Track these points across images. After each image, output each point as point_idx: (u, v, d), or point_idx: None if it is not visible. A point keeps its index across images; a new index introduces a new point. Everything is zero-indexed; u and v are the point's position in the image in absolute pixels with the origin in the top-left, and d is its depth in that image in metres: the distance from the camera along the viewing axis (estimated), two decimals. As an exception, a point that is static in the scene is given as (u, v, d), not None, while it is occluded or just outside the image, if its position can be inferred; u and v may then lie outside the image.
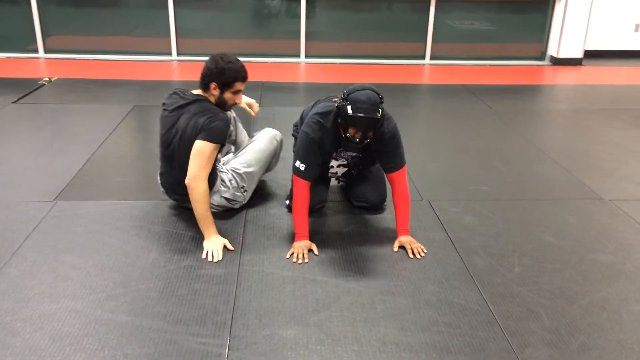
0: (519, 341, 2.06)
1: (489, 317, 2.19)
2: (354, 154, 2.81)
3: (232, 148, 3.21)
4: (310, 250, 2.59)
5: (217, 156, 2.76)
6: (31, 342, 2.00)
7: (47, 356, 1.93)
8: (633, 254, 2.66)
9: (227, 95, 2.68)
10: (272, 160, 3.08)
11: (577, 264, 2.58)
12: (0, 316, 2.12)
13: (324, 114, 2.60)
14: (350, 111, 2.38)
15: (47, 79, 5.53)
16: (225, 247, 2.61)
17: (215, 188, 2.83)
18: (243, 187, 2.92)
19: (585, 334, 2.11)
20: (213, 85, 2.65)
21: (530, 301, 2.29)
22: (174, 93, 2.77)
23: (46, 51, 6.59)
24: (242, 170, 2.92)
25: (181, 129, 2.66)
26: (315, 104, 2.81)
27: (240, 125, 3.15)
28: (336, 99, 2.63)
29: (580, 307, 2.27)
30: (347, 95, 2.43)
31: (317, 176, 2.68)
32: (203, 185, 2.58)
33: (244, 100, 3.08)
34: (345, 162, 2.91)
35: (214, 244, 2.58)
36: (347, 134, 2.46)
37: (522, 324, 2.15)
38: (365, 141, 2.47)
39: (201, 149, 2.59)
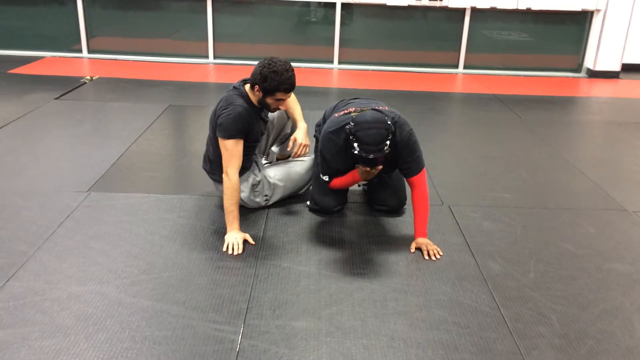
0: (526, 344, 2.08)
1: (499, 319, 2.21)
2: None
3: (275, 148, 3.33)
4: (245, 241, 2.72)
5: (258, 147, 2.95)
6: (57, 320, 2.12)
7: (72, 334, 2.05)
8: (652, 266, 2.65)
9: (270, 100, 2.74)
10: (303, 186, 3.15)
11: (594, 272, 2.57)
12: (30, 296, 2.26)
13: (335, 132, 2.67)
14: (357, 150, 2.47)
15: (88, 77, 5.77)
16: (246, 240, 2.70)
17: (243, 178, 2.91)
18: (266, 195, 3.02)
19: (595, 340, 2.11)
20: (256, 88, 2.72)
21: (542, 306, 2.30)
22: None
23: (89, 51, 6.86)
24: (274, 180, 3.02)
25: (212, 111, 2.86)
26: (337, 105, 2.88)
27: (294, 134, 3.07)
28: (352, 109, 2.71)
29: (592, 314, 2.27)
30: (355, 133, 2.47)
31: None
32: (232, 179, 2.69)
33: (296, 134, 3.02)
34: None
35: (234, 238, 2.68)
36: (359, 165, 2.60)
37: (531, 327, 2.17)
38: (377, 168, 2.57)
39: (222, 145, 2.73)
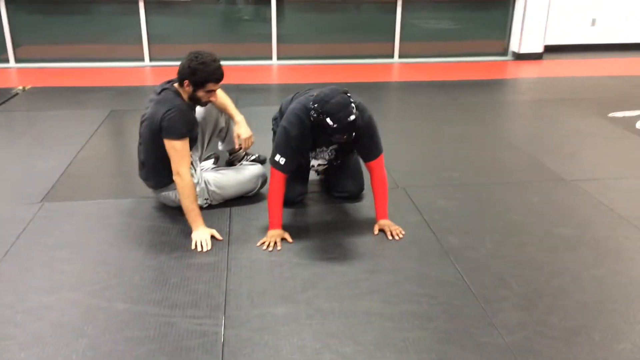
0: (492, 307, 2.24)
1: (464, 288, 2.36)
2: (333, 147, 2.92)
3: (220, 145, 3.30)
4: (283, 239, 2.72)
5: (194, 147, 2.90)
6: (33, 331, 2.09)
7: (51, 343, 2.03)
8: (592, 226, 2.88)
9: (200, 93, 2.76)
10: (249, 191, 3.12)
11: (542, 237, 2.78)
12: (0, 310, 2.21)
13: (302, 110, 2.71)
14: (332, 123, 2.49)
15: (20, 87, 5.55)
16: (213, 236, 2.73)
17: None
18: (206, 199, 3.02)
19: (552, 297, 2.30)
20: (186, 82, 2.74)
21: (501, 272, 2.48)
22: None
23: (17, 60, 6.59)
24: (212, 187, 3.00)
25: (147, 117, 2.81)
26: (294, 97, 2.94)
27: (235, 130, 3.14)
28: (314, 94, 2.76)
29: (546, 274, 2.46)
30: (322, 109, 2.51)
31: (295, 169, 2.80)
32: (185, 179, 2.69)
33: (238, 130, 3.09)
34: (324, 162, 3.01)
35: (201, 235, 2.70)
36: (335, 140, 2.61)
37: (494, 292, 2.34)
38: (352, 136, 2.61)
39: (169, 147, 2.71)
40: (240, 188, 3.08)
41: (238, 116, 3.12)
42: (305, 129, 2.69)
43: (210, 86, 2.74)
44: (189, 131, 2.76)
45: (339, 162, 3.03)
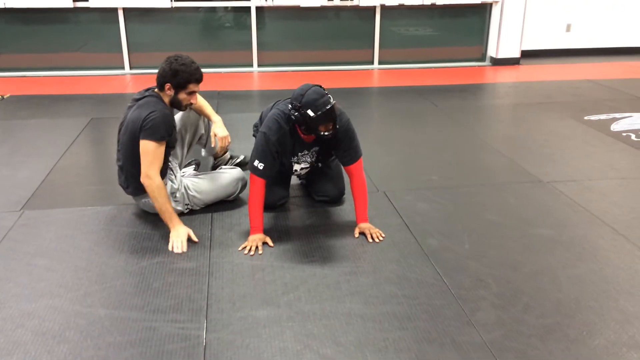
0: (470, 306, 2.28)
1: (443, 288, 2.40)
2: (314, 149, 2.96)
3: (203, 152, 3.32)
4: (264, 243, 2.73)
5: (173, 153, 2.91)
6: (14, 338, 2.08)
7: (32, 349, 2.03)
8: (568, 227, 2.94)
9: (182, 95, 2.80)
10: (229, 195, 3.14)
11: (519, 238, 2.83)
12: (-20, 318, 2.20)
13: (281, 116, 2.75)
14: (312, 113, 2.55)
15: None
16: (190, 239, 2.74)
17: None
18: (187, 204, 3.03)
19: (529, 296, 2.35)
20: (167, 85, 2.77)
21: (479, 272, 2.52)
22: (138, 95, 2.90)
23: (-5, 70, 6.53)
24: (192, 192, 3.01)
25: (127, 121, 2.82)
26: (274, 105, 2.97)
27: (212, 130, 3.17)
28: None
29: (524, 274, 2.51)
30: (300, 103, 2.58)
31: (274, 175, 2.83)
32: (155, 180, 2.71)
33: (214, 129, 3.12)
34: (307, 165, 3.05)
35: (178, 235, 2.72)
36: (320, 133, 2.64)
37: (472, 292, 2.38)
38: (336, 127, 2.65)
39: (144, 148, 2.72)
40: (220, 192, 3.09)
41: (215, 116, 3.16)
42: (285, 134, 2.73)
43: (192, 87, 2.78)
44: (168, 135, 2.78)
45: (319, 165, 3.06)
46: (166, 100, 2.82)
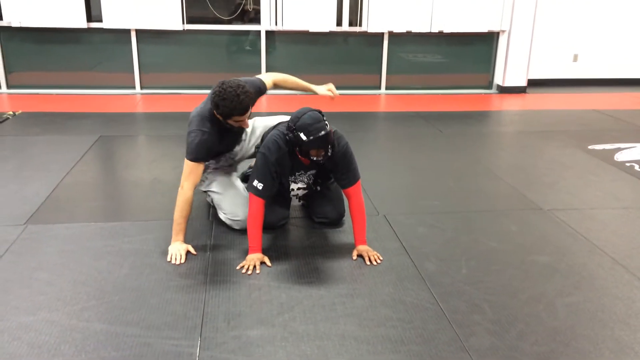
0: (464, 331, 2.28)
1: (438, 313, 2.40)
2: (311, 172, 3.00)
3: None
4: (262, 263, 2.75)
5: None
6: (10, 350, 2.10)
7: (26, 362, 2.05)
8: (567, 255, 2.94)
9: (230, 122, 2.81)
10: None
11: (518, 264, 2.83)
12: (-22, 329, 2.22)
13: (281, 137, 2.80)
14: (305, 137, 2.61)
15: (11, 112, 5.61)
16: (189, 252, 2.82)
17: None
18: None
19: (524, 323, 2.34)
20: (214, 112, 2.82)
21: (476, 297, 2.52)
22: None
23: (9, 87, 6.66)
24: (224, 217, 3.12)
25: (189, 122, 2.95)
26: (276, 126, 3.01)
27: (319, 90, 3.50)
28: None
29: (520, 301, 2.51)
30: (294, 126, 2.64)
31: (273, 195, 2.87)
32: (186, 194, 2.79)
33: (320, 90, 3.54)
34: (304, 185, 3.09)
35: (177, 249, 2.79)
36: (311, 158, 2.69)
37: (467, 317, 2.37)
38: (328, 154, 2.69)
39: (185, 161, 2.84)
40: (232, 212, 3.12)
41: (314, 87, 3.50)
42: (284, 155, 2.78)
43: (236, 118, 2.78)
44: (202, 159, 2.85)
45: (318, 188, 3.09)
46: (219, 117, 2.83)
